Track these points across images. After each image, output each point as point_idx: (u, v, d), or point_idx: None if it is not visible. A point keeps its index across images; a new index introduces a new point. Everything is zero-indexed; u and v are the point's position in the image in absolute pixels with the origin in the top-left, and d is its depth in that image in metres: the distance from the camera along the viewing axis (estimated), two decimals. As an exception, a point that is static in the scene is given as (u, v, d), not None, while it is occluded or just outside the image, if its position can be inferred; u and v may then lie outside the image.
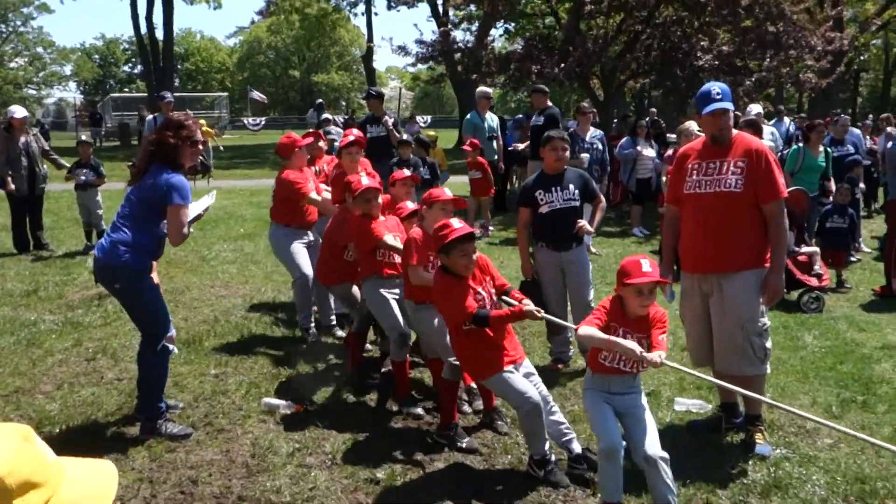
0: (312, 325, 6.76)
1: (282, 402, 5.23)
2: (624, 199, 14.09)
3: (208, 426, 4.89)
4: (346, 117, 23.90)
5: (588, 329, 3.73)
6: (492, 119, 12.26)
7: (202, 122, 11.81)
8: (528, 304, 4.30)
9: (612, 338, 3.68)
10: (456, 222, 4.31)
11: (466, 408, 5.23)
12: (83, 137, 11.41)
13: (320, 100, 25.30)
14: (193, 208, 4.84)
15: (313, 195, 6.53)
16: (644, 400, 3.92)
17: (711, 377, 4.53)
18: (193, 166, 12.75)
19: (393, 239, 5.39)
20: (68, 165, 10.87)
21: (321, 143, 7.53)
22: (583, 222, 5.88)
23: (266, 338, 6.77)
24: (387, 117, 10.90)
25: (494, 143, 12.28)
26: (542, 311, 4.35)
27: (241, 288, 8.50)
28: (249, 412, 5.12)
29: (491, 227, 12.40)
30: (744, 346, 4.55)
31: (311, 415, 5.11)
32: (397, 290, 5.43)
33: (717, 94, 4.50)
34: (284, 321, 7.27)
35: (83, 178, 10.74)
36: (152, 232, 4.65)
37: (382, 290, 5.42)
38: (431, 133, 15.36)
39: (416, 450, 4.63)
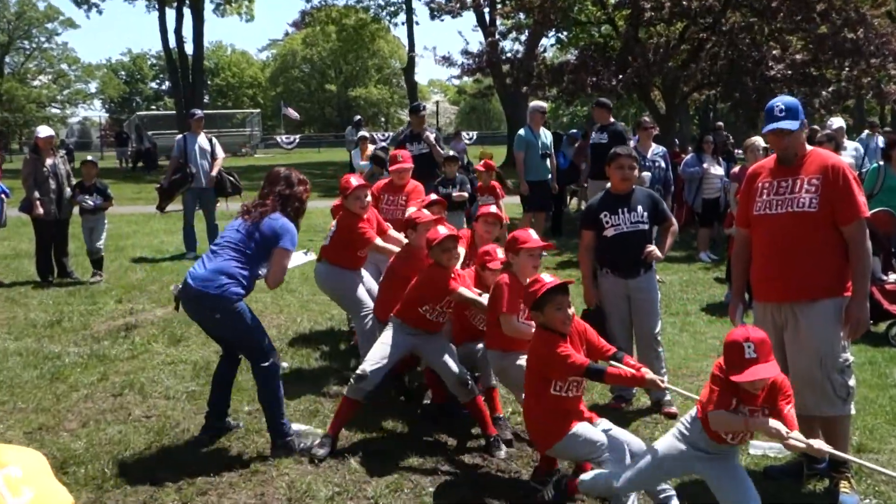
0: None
1: (309, 428, 5.42)
2: (689, 221, 13.97)
3: (242, 468, 4.93)
4: (387, 137, 24.11)
5: (721, 415, 3.60)
6: (545, 135, 12.27)
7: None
8: (648, 372, 4.21)
9: (752, 419, 3.56)
10: (547, 276, 4.35)
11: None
12: (89, 158, 11.58)
13: (359, 116, 25.54)
14: (293, 259, 5.33)
15: (379, 241, 6.49)
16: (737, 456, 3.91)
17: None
18: (223, 187, 12.88)
19: (469, 292, 5.30)
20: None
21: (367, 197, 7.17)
22: (652, 247, 5.84)
23: (303, 372, 6.83)
24: (428, 133, 11.02)
25: (548, 162, 12.27)
26: (665, 381, 4.34)
27: (276, 318, 8.59)
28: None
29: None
30: (823, 384, 4.44)
31: (352, 454, 5.12)
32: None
33: (781, 111, 4.42)
34: (324, 353, 7.33)
35: (90, 202, 10.84)
36: (256, 269, 5.09)
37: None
38: (482, 152, 15.46)
39: (468, 494, 4.61)
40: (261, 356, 5.12)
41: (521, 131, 12.35)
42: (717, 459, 3.80)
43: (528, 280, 4.55)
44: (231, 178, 12.68)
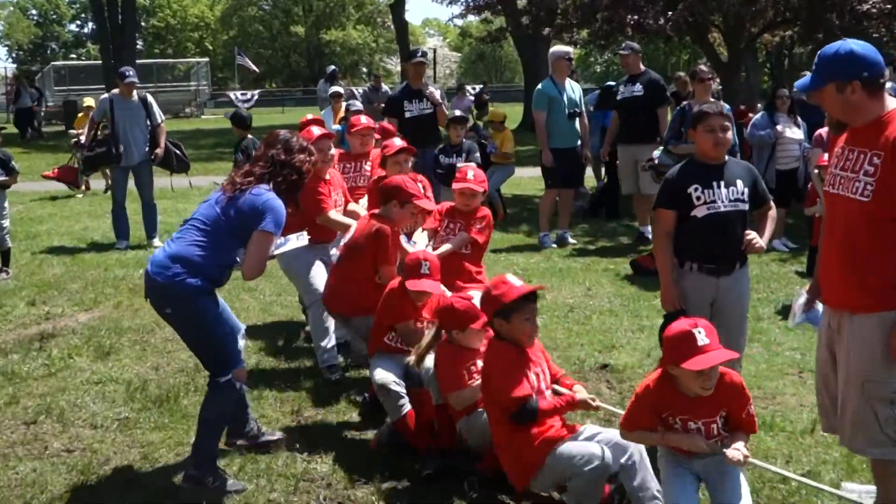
0: (337, 360, 7.17)
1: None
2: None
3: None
4: (368, 88, 24.14)
5: (635, 435, 4.29)
6: (572, 89, 12.23)
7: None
8: (581, 392, 4.85)
9: (669, 434, 4.16)
10: (514, 279, 4.77)
11: None
12: None
13: (333, 67, 25.48)
14: (281, 244, 5.41)
15: (332, 213, 6.80)
16: None
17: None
18: (168, 160, 12.87)
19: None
20: None
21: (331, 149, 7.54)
22: (754, 234, 5.62)
23: (265, 392, 6.80)
24: (431, 89, 11.00)
25: (577, 123, 12.23)
26: (597, 399, 4.91)
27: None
28: (252, 499, 5.14)
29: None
30: (864, 415, 4.36)
31: (332, 488, 5.15)
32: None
33: (815, 63, 4.35)
34: (291, 369, 7.33)
35: None
36: (227, 257, 5.12)
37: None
38: (500, 112, 15.42)
39: None
40: (217, 368, 5.15)
41: (542, 85, 12.32)
42: (701, 463, 4.29)
43: (489, 283, 5.04)
44: (177, 151, 12.64)
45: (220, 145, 28.05)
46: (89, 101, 17.44)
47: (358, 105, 14.20)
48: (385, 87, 22.94)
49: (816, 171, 9.79)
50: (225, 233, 5.06)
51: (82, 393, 6.79)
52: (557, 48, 12.93)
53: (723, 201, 5.58)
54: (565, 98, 12.02)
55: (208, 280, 5.05)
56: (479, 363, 5.16)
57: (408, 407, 5.69)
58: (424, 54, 11.66)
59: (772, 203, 5.93)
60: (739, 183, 5.65)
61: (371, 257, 6.28)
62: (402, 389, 5.72)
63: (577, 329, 8.46)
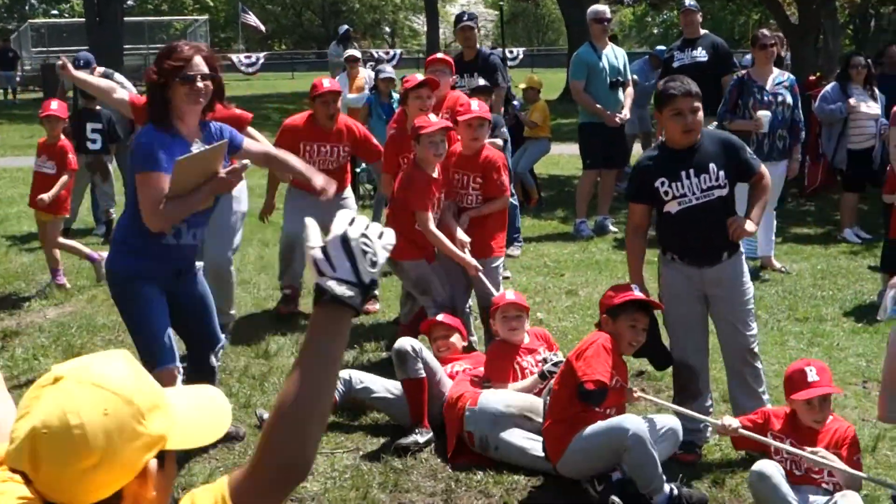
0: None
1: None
2: (829, 183, 13.88)
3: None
4: (393, 57, 24.21)
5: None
6: (615, 55, 12.21)
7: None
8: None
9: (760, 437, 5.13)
10: (637, 290, 5.72)
11: None
12: None
13: (346, 26, 25.53)
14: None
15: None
16: None
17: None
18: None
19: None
20: None
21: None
22: (736, 220, 5.77)
23: (253, 399, 6.87)
24: (493, 55, 11.07)
25: (620, 93, 12.20)
26: (637, 391, 5.91)
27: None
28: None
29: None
30: None
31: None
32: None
33: None
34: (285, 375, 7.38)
35: None
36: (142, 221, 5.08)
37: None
38: (536, 78, 15.41)
39: None
40: (145, 361, 5.06)
41: (580, 50, 12.32)
42: None
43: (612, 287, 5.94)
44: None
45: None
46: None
47: (389, 72, 14.15)
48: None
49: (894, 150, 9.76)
50: (132, 191, 5.13)
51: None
52: (593, 8, 12.80)
53: (694, 193, 5.73)
54: (606, 65, 12.02)
55: (137, 256, 5.16)
56: (529, 359, 6.40)
57: (422, 374, 6.15)
58: (472, 17, 11.41)
59: (763, 170, 6.00)
60: (712, 167, 5.74)
61: (405, 204, 7.13)
62: (418, 358, 6.18)
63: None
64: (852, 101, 12.17)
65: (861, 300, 9.43)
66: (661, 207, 5.85)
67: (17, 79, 40.03)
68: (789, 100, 10.44)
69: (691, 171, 5.73)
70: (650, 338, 5.76)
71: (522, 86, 14.84)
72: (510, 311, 6.53)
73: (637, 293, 5.65)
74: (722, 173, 5.74)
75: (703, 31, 12.22)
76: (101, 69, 11.67)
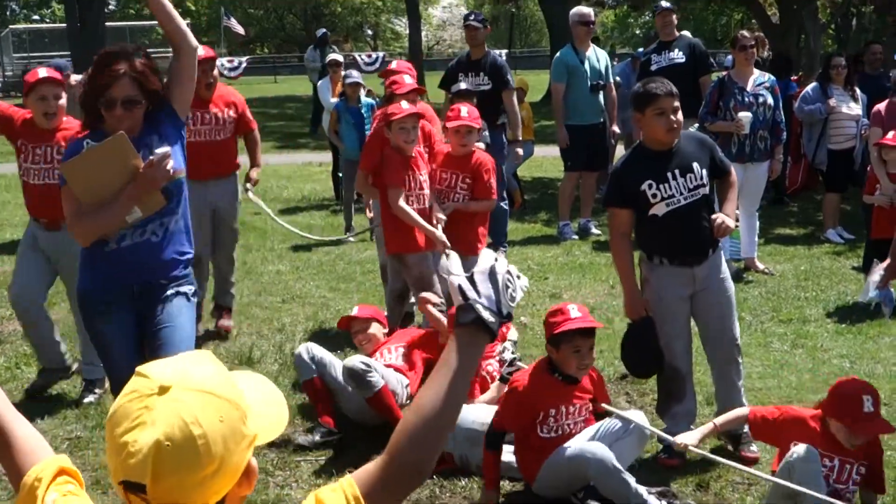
0: None
1: None
2: (810, 183, 13.90)
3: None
4: (375, 60, 24.11)
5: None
6: (597, 57, 12.20)
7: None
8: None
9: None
10: (573, 308, 5.47)
11: None
12: None
13: (323, 30, 25.34)
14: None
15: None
16: None
17: None
18: None
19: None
20: None
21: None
22: (721, 217, 5.81)
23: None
24: (496, 56, 11.09)
25: (601, 97, 12.21)
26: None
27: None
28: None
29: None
30: None
31: None
32: None
33: None
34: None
35: None
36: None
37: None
38: (522, 79, 15.37)
39: None
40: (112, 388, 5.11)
41: (561, 53, 12.31)
42: None
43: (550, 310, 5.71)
44: None
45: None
46: None
47: (356, 77, 14.11)
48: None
49: (876, 151, 9.79)
50: None
51: (30, 408, 6.84)
52: (576, 10, 12.75)
53: (682, 193, 5.77)
54: (587, 67, 12.01)
55: (87, 268, 4.97)
56: (492, 363, 6.47)
57: (381, 382, 6.04)
58: (480, 19, 11.42)
59: (731, 169, 6.17)
60: (696, 166, 5.81)
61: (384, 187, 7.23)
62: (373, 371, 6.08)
63: (598, 333, 8.47)
64: (832, 101, 12.20)
65: (844, 301, 9.42)
66: (646, 211, 5.84)
67: (-1, 85, 39.88)
68: (770, 100, 10.47)
69: (676, 171, 5.78)
70: (646, 344, 5.87)
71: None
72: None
73: (573, 315, 5.41)
74: (704, 172, 5.83)
75: (678, 33, 12.20)
76: (76, 76, 11.52)
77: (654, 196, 5.78)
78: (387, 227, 7.36)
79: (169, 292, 4.98)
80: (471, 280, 2.34)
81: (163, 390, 1.97)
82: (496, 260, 2.37)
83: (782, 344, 8.20)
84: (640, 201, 5.84)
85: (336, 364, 6.29)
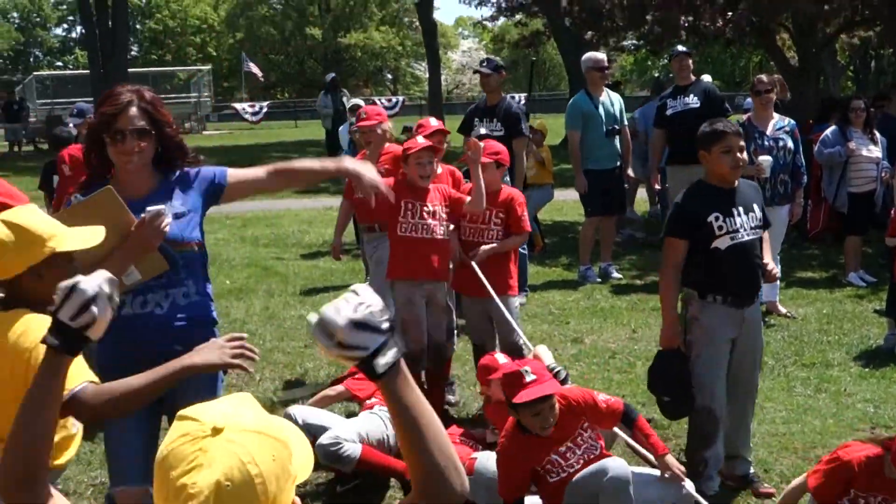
0: None
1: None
2: (831, 226, 13.87)
3: None
4: (395, 104, 24.27)
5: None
6: (611, 101, 12.22)
7: None
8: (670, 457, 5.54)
9: None
10: (528, 373, 5.18)
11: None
12: None
13: (332, 74, 25.38)
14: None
15: None
16: None
17: None
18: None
19: None
20: None
21: None
22: (770, 262, 6.11)
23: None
24: (512, 103, 11.09)
25: (616, 141, 12.22)
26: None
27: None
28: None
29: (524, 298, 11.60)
30: None
31: None
32: None
33: None
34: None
35: None
36: None
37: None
38: (543, 122, 15.44)
39: None
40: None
41: (575, 99, 12.38)
42: None
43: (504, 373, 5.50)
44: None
45: (225, 164, 28.15)
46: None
47: (355, 100, 14.16)
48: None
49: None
50: None
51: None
52: (589, 55, 12.79)
53: (745, 229, 5.92)
54: (602, 112, 12.01)
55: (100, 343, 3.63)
56: None
57: (358, 447, 5.97)
58: (495, 66, 11.32)
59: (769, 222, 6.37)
60: (755, 207, 6.03)
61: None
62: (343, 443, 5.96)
63: (619, 378, 8.49)
64: (852, 144, 12.16)
65: (867, 345, 9.40)
66: (708, 244, 5.88)
67: (24, 131, 40.06)
68: (790, 144, 10.50)
69: (740, 208, 5.95)
70: (672, 377, 5.94)
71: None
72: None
73: (528, 380, 5.11)
74: (762, 214, 6.07)
75: (694, 78, 12.23)
76: None
77: (721, 228, 5.87)
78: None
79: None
80: (342, 345, 2.27)
81: (216, 431, 2.01)
82: (344, 307, 2.29)
83: (805, 388, 8.17)
84: (703, 233, 5.89)
85: (328, 422, 6.34)
